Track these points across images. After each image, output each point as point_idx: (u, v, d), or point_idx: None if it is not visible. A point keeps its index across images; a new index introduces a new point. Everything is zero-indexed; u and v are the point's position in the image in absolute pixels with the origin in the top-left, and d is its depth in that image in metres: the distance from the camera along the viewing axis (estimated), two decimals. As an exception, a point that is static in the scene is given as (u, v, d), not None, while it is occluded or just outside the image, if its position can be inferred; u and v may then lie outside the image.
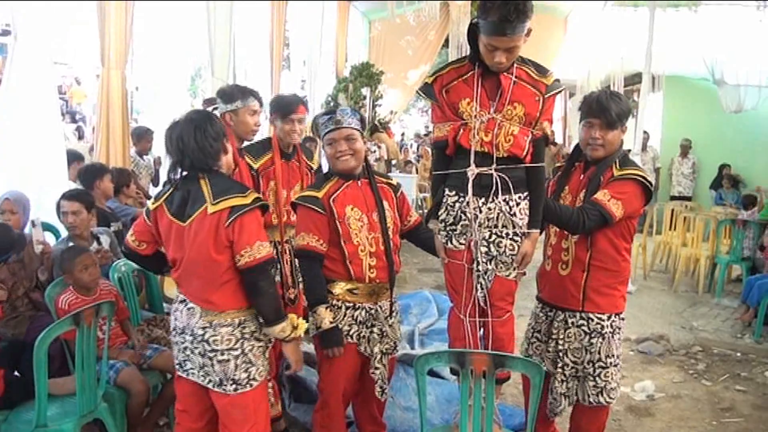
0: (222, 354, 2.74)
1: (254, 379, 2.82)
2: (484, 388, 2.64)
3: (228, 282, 2.75)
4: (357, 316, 3.28)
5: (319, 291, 3.22)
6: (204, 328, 2.74)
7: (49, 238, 4.60)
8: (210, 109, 3.76)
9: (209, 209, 2.69)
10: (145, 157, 7.32)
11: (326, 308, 3.19)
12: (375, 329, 3.33)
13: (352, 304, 3.27)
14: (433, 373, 4.56)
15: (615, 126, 3.22)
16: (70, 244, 4.13)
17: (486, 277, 2.95)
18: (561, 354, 3.31)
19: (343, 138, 3.22)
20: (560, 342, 3.31)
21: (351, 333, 3.26)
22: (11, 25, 4.89)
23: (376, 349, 3.33)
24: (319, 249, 3.20)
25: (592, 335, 3.23)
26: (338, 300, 3.25)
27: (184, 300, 2.82)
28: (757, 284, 6.56)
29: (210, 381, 2.79)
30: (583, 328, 3.25)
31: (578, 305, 3.25)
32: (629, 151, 3.41)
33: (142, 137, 7.18)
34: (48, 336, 3.03)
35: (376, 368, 3.35)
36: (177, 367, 2.91)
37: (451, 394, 4.32)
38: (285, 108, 3.93)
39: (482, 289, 2.95)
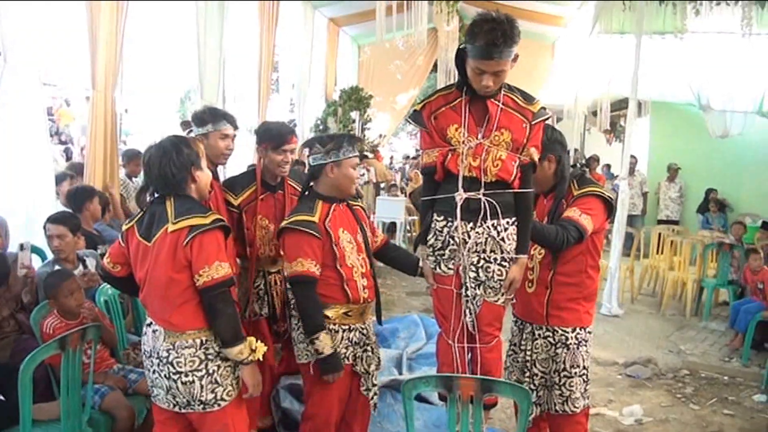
0: (186, 375, 2.72)
1: (222, 399, 2.79)
2: (472, 414, 2.63)
3: (187, 302, 2.73)
4: (352, 338, 3.31)
5: (318, 317, 3.19)
6: (168, 350, 2.73)
7: (36, 261, 4.57)
8: (186, 132, 3.76)
9: (169, 228, 2.70)
10: (134, 179, 7.30)
11: (326, 334, 3.18)
12: (367, 347, 3.39)
13: (347, 326, 3.29)
14: (421, 399, 4.54)
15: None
16: (56, 267, 4.10)
17: (474, 302, 2.96)
18: (529, 364, 3.37)
19: (356, 165, 3.34)
20: (527, 352, 3.38)
21: (347, 354, 3.29)
22: (0, 46, 4.89)
23: (372, 368, 3.40)
24: (316, 274, 3.19)
25: (557, 346, 3.29)
26: (334, 324, 3.25)
27: (150, 323, 2.83)
28: (743, 309, 6.60)
29: (176, 404, 2.78)
30: (548, 339, 3.31)
31: (542, 320, 3.31)
32: (583, 171, 3.46)
33: (131, 159, 7.15)
34: (33, 360, 3.00)
35: (370, 388, 3.40)
36: (153, 394, 2.89)
37: (440, 419, 4.30)
38: (278, 139, 3.75)
39: (470, 314, 2.96)
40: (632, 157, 10.53)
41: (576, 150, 13.33)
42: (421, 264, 3.27)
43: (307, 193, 3.41)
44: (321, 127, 12.28)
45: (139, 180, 7.40)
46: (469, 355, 3.06)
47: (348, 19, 13.29)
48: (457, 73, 3.00)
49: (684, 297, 8.32)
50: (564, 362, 3.28)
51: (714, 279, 7.93)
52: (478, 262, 2.94)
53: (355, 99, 12.72)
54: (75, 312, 3.69)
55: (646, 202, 12.47)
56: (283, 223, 3.28)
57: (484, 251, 2.93)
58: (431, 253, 3.05)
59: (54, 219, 4.24)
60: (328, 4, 12.03)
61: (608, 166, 14.30)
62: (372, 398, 3.42)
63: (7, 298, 3.92)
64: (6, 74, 4.85)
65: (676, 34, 8.11)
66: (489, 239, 2.92)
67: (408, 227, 12.41)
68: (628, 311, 8.19)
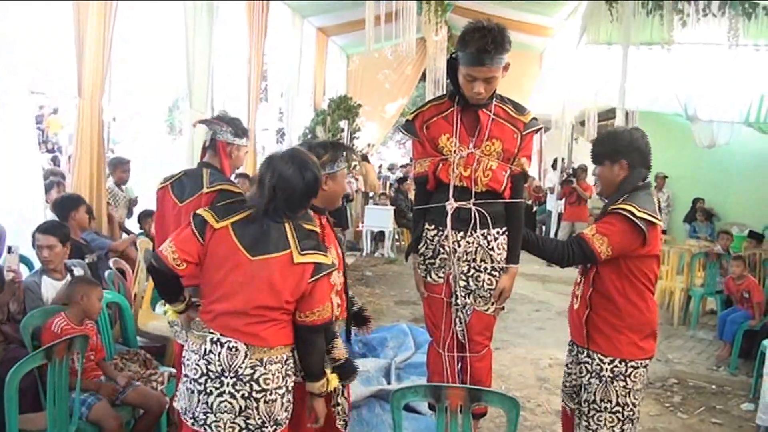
0: (271, 393, 2.60)
1: (287, 419, 2.71)
2: (461, 423, 2.63)
3: (283, 322, 2.65)
4: None
5: (331, 326, 3.10)
6: (254, 366, 2.58)
7: (24, 271, 4.53)
8: (208, 130, 3.63)
9: (296, 258, 2.60)
10: (123, 186, 7.27)
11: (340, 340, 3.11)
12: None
13: None
14: (410, 409, 4.53)
15: (598, 162, 3.13)
16: (44, 277, 4.08)
17: (464, 312, 2.96)
18: (578, 389, 3.23)
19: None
20: (574, 376, 3.24)
21: None
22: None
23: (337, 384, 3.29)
24: None
25: (591, 375, 3.11)
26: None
27: (219, 340, 2.60)
28: (729, 319, 6.63)
29: (245, 428, 2.59)
30: (586, 365, 3.14)
31: (584, 342, 3.13)
32: (640, 185, 3.16)
33: (117, 167, 7.12)
34: (19, 370, 2.97)
35: (338, 404, 3.24)
36: (190, 421, 2.65)
37: (428, 429, 4.28)
38: None
39: (461, 323, 2.95)
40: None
41: (563, 159, 13.40)
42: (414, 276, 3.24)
43: None
44: (309, 136, 12.28)
45: (128, 187, 7.37)
46: (459, 364, 3.06)
47: (337, 29, 13.32)
48: (446, 82, 3.01)
49: (672, 306, 8.36)
50: (594, 394, 3.09)
51: (701, 288, 7.96)
52: (468, 271, 2.94)
53: (344, 108, 12.74)
54: (95, 318, 3.80)
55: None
56: None
57: (474, 260, 2.94)
58: (422, 262, 3.05)
59: (44, 229, 4.19)
60: (317, 14, 12.05)
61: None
62: (339, 414, 3.25)
63: (-7, 307, 3.89)
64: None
65: (663, 45, 8.16)
66: (479, 249, 2.92)
67: (396, 236, 12.40)
68: (616, 320, 8.19)
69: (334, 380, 2.84)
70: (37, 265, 4.38)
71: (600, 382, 3.06)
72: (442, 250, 2.95)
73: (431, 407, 3.05)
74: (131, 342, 4.56)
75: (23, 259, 4.64)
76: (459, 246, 2.91)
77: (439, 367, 3.03)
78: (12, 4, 4.88)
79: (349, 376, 3.13)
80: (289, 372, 2.70)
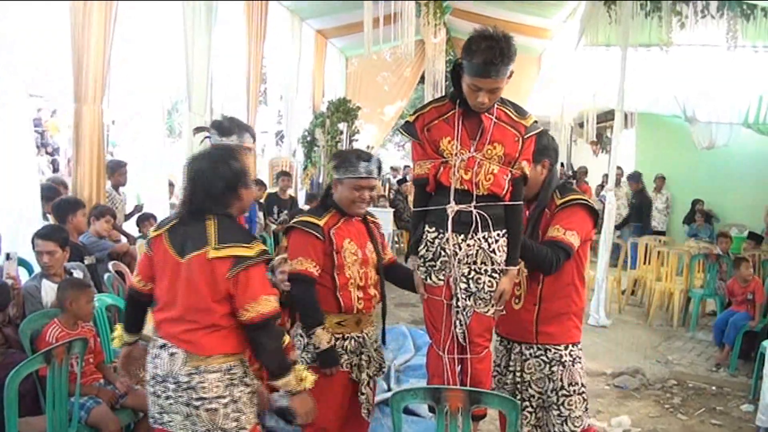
0: (210, 402, 2.56)
1: (243, 428, 2.66)
2: (461, 425, 2.62)
3: (220, 328, 2.61)
4: (347, 346, 3.35)
5: (316, 314, 3.25)
6: (190, 374, 2.56)
7: (22, 274, 4.53)
8: (201, 137, 3.67)
9: (210, 254, 2.55)
10: (120, 189, 7.27)
11: (323, 329, 3.23)
12: (363, 356, 3.41)
13: (341, 335, 3.34)
14: (409, 412, 4.53)
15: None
16: (44, 280, 4.08)
17: (465, 314, 2.96)
18: (522, 386, 3.28)
19: (369, 187, 3.35)
20: (518, 374, 3.29)
21: (342, 362, 3.31)
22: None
23: (363, 375, 3.40)
24: (315, 274, 3.26)
25: (552, 364, 3.20)
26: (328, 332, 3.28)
27: (165, 344, 2.63)
28: (731, 321, 6.62)
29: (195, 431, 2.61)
30: (541, 358, 3.22)
31: (532, 338, 3.23)
32: (566, 181, 3.43)
33: (115, 170, 7.11)
34: (18, 374, 2.97)
35: (362, 393, 3.41)
36: (151, 420, 2.71)
37: (427, 431, 4.29)
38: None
39: (461, 325, 2.96)
40: (619, 168, 10.59)
41: (562, 164, 13.39)
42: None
43: (325, 199, 3.49)
44: (309, 139, 12.28)
45: (125, 191, 7.38)
46: (459, 366, 3.06)
47: (335, 31, 13.33)
48: (444, 85, 3.01)
49: (671, 307, 8.36)
50: (561, 380, 3.18)
51: (701, 289, 7.97)
52: (469, 273, 2.94)
53: (343, 110, 12.72)
54: (87, 321, 3.80)
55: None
56: (291, 222, 3.40)
57: (474, 263, 2.94)
58: (422, 264, 3.05)
59: (43, 235, 4.17)
60: (316, 16, 12.06)
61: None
62: (363, 403, 3.40)
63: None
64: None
65: (662, 46, 8.19)
66: (480, 251, 2.92)
67: (396, 239, 12.40)
68: (615, 322, 8.21)
69: (309, 377, 2.78)
70: (36, 268, 4.38)
71: (564, 368, 3.19)
72: (442, 253, 2.95)
73: (431, 410, 3.04)
74: (131, 345, 4.55)
75: (22, 262, 4.64)
76: (460, 249, 2.91)
77: (439, 369, 3.03)
78: (12, 4, 4.88)
79: (327, 365, 3.23)
80: (235, 381, 2.65)
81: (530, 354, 3.25)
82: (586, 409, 3.24)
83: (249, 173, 2.80)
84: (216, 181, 2.64)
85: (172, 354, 2.60)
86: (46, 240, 4.13)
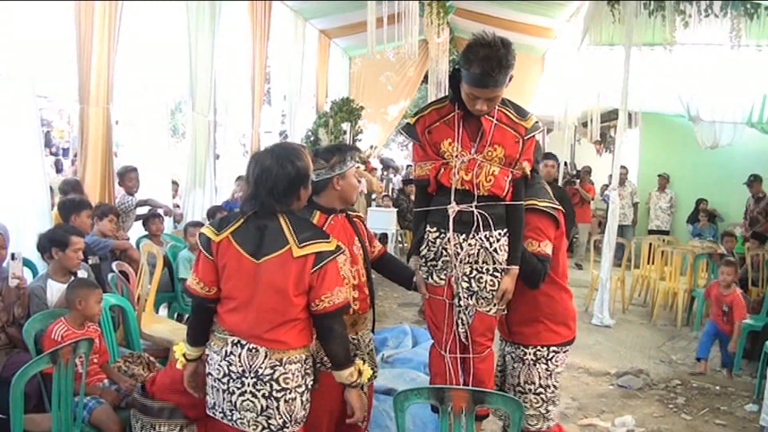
0: (290, 392, 2.64)
1: (305, 418, 2.75)
2: (465, 426, 2.63)
3: (299, 321, 2.68)
4: None
5: None
6: (273, 366, 2.63)
7: (27, 274, 4.54)
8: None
9: (295, 252, 2.62)
10: (133, 193, 7.19)
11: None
12: (357, 357, 3.33)
13: None
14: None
15: None
16: (49, 280, 4.08)
17: (467, 313, 2.96)
18: (500, 378, 3.43)
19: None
20: (499, 366, 3.43)
21: None
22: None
23: None
24: None
25: (515, 360, 3.30)
26: None
27: (239, 341, 2.66)
28: (705, 331, 6.45)
29: (267, 427, 2.64)
30: (510, 354, 3.34)
31: (507, 335, 3.36)
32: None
33: (124, 176, 7.06)
34: (25, 374, 2.98)
35: None
36: (220, 414, 2.71)
37: (426, 415, 4.24)
38: None
39: (463, 324, 2.96)
40: (622, 167, 10.59)
41: (566, 163, 13.36)
42: (415, 277, 3.26)
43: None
44: (312, 139, 12.28)
45: (137, 196, 7.33)
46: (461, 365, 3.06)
47: (339, 31, 13.33)
48: (448, 84, 3.01)
49: (675, 307, 8.35)
50: (518, 377, 3.28)
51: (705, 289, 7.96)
52: (471, 272, 2.95)
53: (346, 110, 12.73)
54: (94, 321, 3.81)
55: (636, 212, 12.54)
56: None
57: (476, 262, 2.95)
58: (424, 264, 3.06)
59: (79, 232, 4.27)
60: (320, 16, 12.06)
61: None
62: None
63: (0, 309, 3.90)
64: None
65: (666, 45, 8.17)
66: (481, 251, 2.93)
67: (399, 238, 12.40)
68: (619, 321, 8.21)
69: (367, 370, 2.85)
70: (41, 269, 4.39)
71: (523, 365, 3.27)
72: (444, 253, 2.96)
73: (434, 409, 3.04)
74: (135, 344, 4.57)
75: (27, 263, 4.64)
76: (461, 249, 2.92)
77: (441, 368, 3.03)
78: (18, 4, 4.90)
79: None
80: (308, 371, 2.74)
81: (504, 351, 3.41)
82: (547, 411, 3.28)
83: (310, 173, 2.82)
84: (281, 177, 2.67)
85: (251, 350, 2.64)
86: (80, 237, 4.18)
